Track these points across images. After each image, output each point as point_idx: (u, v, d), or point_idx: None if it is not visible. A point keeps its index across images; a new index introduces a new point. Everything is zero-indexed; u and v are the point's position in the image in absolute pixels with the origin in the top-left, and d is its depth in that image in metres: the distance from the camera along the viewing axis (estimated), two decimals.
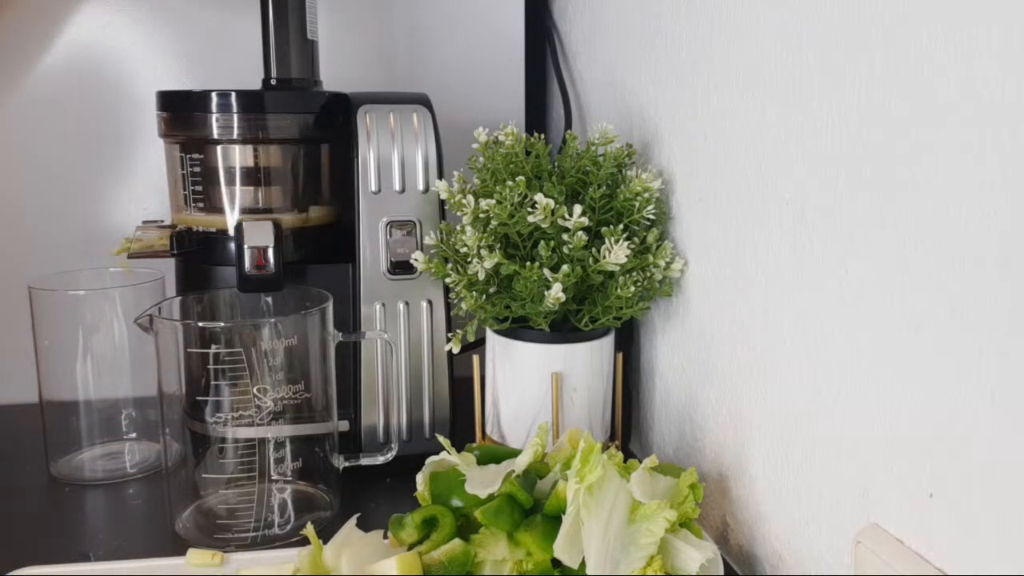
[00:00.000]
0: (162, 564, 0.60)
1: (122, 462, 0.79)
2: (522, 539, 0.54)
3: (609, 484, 0.54)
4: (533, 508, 0.56)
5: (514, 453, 0.60)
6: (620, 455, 0.60)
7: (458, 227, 0.70)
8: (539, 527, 0.54)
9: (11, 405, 0.94)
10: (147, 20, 0.95)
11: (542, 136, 0.73)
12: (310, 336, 0.68)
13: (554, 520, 0.54)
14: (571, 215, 0.66)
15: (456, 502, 0.58)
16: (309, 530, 0.57)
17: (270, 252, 0.72)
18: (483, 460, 0.61)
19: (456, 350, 0.74)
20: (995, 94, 0.38)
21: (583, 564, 0.53)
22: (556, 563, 0.54)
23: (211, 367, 0.64)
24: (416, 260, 0.73)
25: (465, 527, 0.57)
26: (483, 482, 0.57)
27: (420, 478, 0.61)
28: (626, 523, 0.54)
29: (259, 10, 0.78)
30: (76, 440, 0.79)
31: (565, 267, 0.66)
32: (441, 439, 0.62)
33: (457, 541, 0.55)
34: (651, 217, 0.70)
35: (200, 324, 0.66)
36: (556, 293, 0.65)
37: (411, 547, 0.56)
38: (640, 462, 0.59)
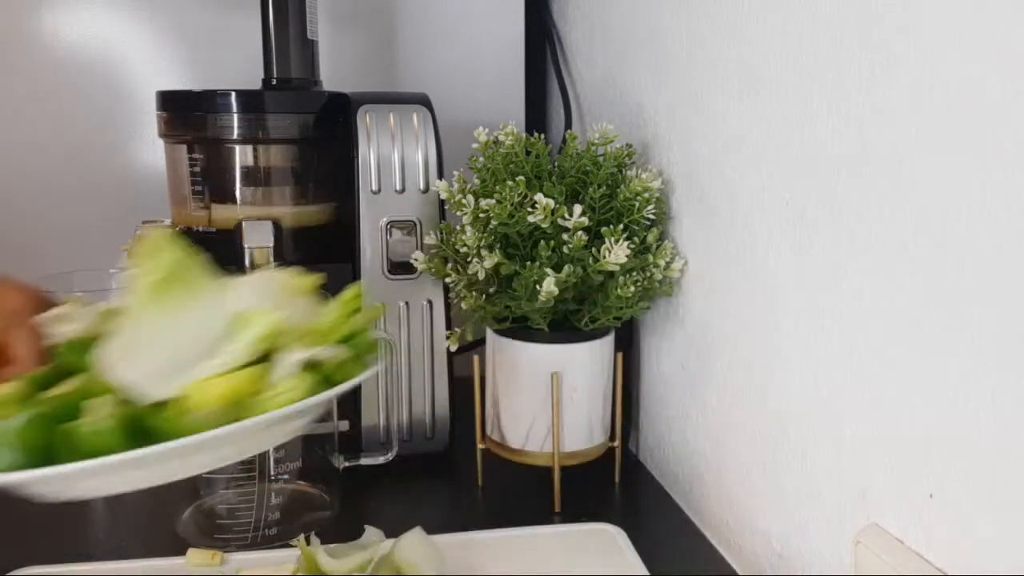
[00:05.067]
0: (162, 564, 0.60)
1: None
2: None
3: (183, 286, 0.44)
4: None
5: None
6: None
7: (458, 227, 0.70)
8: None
9: None
10: (147, 20, 0.94)
11: (542, 136, 0.73)
12: None
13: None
14: (571, 215, 0.66)
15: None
16: (300, 543, 0.55)
17: (270, 252, 0.72)
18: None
19: (454, 348, 0.74)
20: (995, 94, 0.38)
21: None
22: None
23: None
24: (416, 260, 0.73)
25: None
26: None
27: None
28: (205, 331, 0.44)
29: (259, 10, 0.78)
30: None
31: (566, 267, 0.66)
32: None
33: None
34: (651, 217, 0.70)
35: None
36: (548, 287, 0.65)
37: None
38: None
